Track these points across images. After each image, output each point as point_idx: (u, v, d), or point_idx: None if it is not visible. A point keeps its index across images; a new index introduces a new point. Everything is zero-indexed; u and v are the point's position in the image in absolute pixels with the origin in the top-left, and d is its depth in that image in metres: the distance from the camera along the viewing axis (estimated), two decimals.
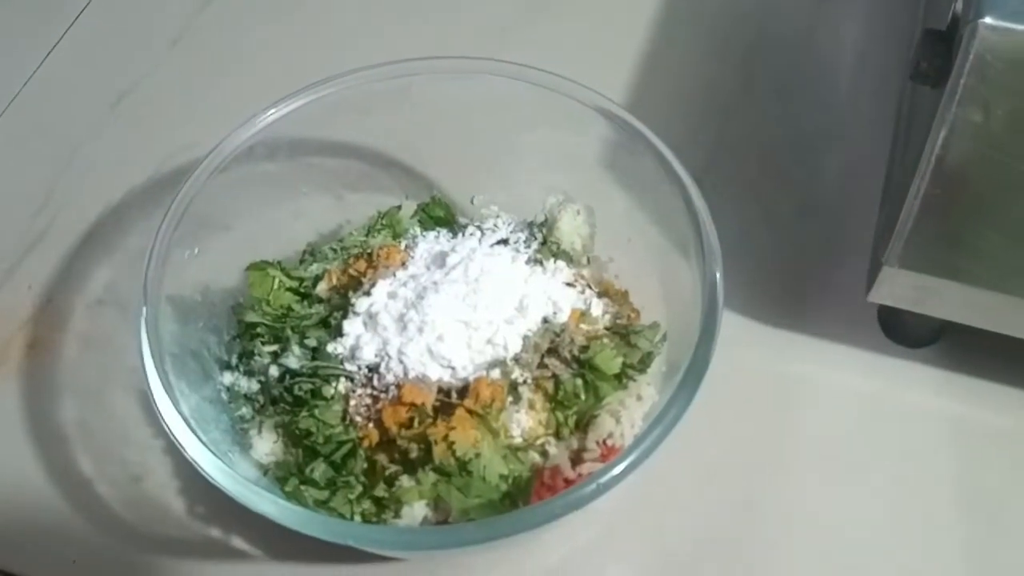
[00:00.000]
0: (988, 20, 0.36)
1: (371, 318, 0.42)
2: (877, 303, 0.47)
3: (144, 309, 0.40)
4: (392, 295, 0.43)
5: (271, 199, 0.50)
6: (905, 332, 0.51)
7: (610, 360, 0.42)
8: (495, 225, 0.49)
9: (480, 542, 0.35)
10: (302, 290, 0.46)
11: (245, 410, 0.43)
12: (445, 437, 0.40)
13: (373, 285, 0.43)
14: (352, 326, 0.42)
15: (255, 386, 0.44)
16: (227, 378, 0.44)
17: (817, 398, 0.50)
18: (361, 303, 0.43)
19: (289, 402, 0.42)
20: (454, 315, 0.41)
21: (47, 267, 0.55)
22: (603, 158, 0.49)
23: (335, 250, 0.48)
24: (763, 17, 0.65)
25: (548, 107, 0.47)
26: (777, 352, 0.51)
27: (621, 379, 0.42)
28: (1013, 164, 0.39)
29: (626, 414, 0.42)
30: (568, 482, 0.40)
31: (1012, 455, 0.48)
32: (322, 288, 0.45)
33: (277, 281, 0.46)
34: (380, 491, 0.40)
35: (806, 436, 0.49)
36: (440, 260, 0.44)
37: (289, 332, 0.43)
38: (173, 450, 0.48)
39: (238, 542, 0.46)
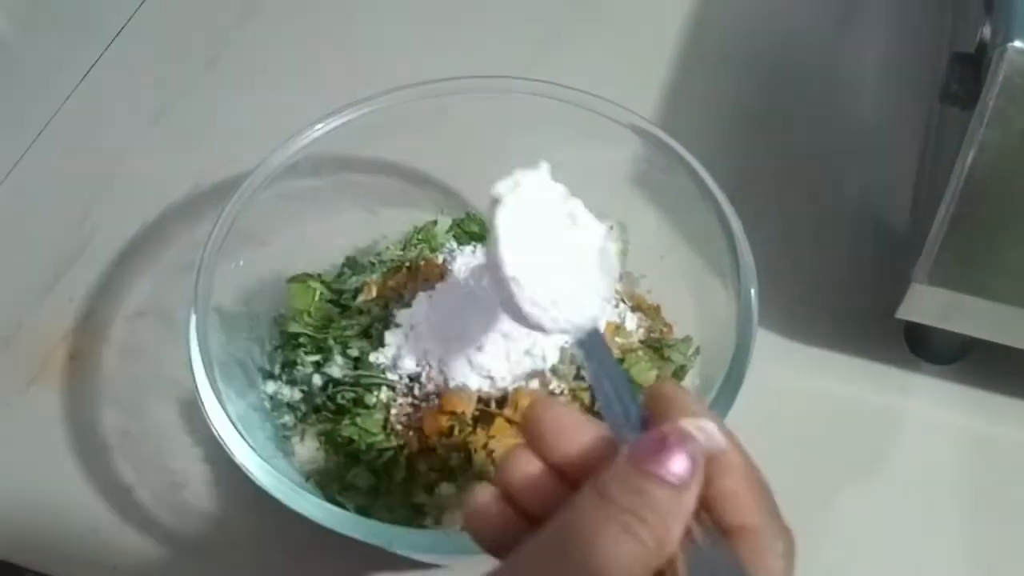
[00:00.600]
0: (1018, 44, 0.37)
1: (412, 329, 0.43)
2: (904, 320, 0.48)
3: (194, 317, 0.41)
4: (433, 307, 0.44)
5: (309, 214, 0.51)
6: (932, 349, 0.52)
7: (645, 372, 0.43)
8: None
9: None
10: (342, 302, 0.47)
11: (287, 418, 0.44)
12: (485, 445, 0.40)
13: (413, 297, 0.44)
14: (393, 337, 0.43)
15: (297, 395, 0.45)
16: (270, 387, 0.45)
17: (844, 413, 0.51)
18: (402, 315, 0.44)
19: (332, 410, 0.43)
20: (493, 327, 0.42)
21: (88, 280, 0.56)
22: (636, 175, 0.50)
23: (373, 263, 0.49)
24: (789, 37, 0.66)
25: (581, 124, 0.48)
26: (805, 368, 0.52)
27: None
28: None
29: None
30: None
31: None
32: (361, 300, 0.46)
33: (318, 293, 0.47)
34: (420, 498, 0.41)
35: (833, 450, 0.49)
36: (478, 274, 0.45)
37: (331, 342, 0.44)
38: (212, 458, 0.49)
39: (277, 549, 0.46)
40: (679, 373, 0.45)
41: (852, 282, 0.55)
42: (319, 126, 0.47)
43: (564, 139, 0.50)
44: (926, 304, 0.46)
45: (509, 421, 0.41)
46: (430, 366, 0.42)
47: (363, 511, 0.41)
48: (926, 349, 0.52)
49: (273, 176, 0.46)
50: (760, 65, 0.65)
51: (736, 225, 0.43)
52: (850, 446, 0.50)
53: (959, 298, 0.45)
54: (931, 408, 0.51)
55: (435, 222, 0.51)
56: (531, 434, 0.28)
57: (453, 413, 0.41)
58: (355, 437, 0.41)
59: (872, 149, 0.60)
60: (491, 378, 0.42)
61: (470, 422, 0.41)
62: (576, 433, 0.28)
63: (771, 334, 0.52)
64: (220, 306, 0.43)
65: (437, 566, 0.45)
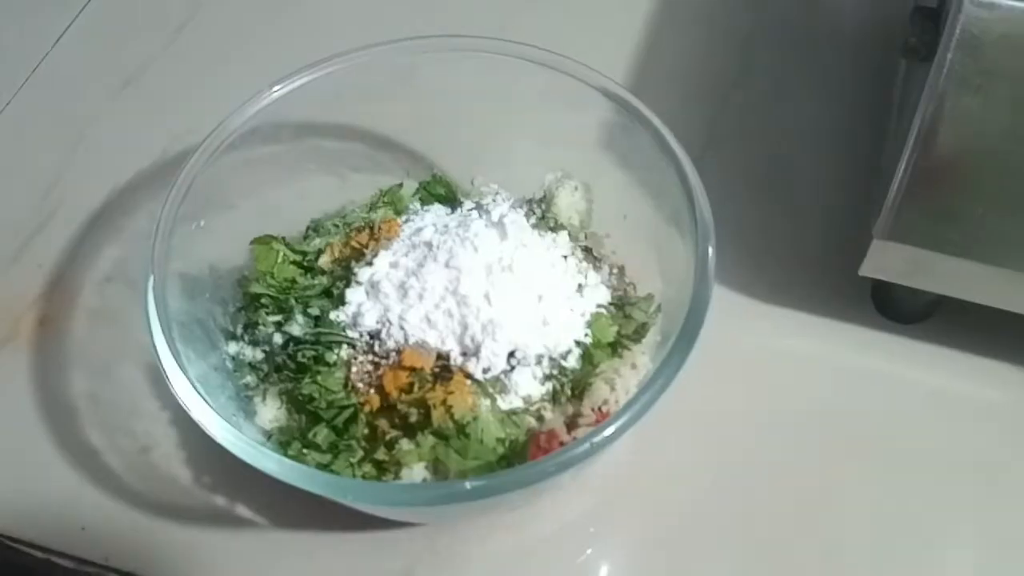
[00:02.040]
0: None
1: (373, 286, 0.43)
2: (871, 279, 0.48)
3: (151, 278, 0.41)
4: (394, 264, 0.44)
5: (276, 179, 0.51)
6: (897, 308, 0.52)
7: (606, 329, 0.44)
8: (494, 202, 0.50)
9: (476, 498, 0.36)
10: (305, 263, 0.47)
11: (250, 378, 0.44)
12: (444, 401, 0.41)
13: (375, 255, 0.44)
14: (354, 294, 0.43)
15: (259, 355, 0.45)
16: (232, 347, 0.45)
17: (810, 372, 0.51)
18: (363, 272, 0.44)
19: (292, 369, 0.43)
20: (452, 287, 0.42)
21: (56, 246, 0.56)
22: (601, 136, 0.49)
23: (337, 225, 0.49)
24: (763, 1, 0.66)
25: (548, 86, 0.48)
26: (772, 328, 0.52)
27: (616, 348, 0.43)
28: (998, 137, 0.40)
29: (621, 382, 0.43)
30: (563, 445, 0.41)
31: (1002, 427, 0.49)
32: (324, 260, 0.46)
33: (281, 254, 0.47)
34: (380, 455, 0.41)
35: (799, 410, 0.49)
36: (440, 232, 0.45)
37: (293, 302, 0.44)
38: (179, 421, 0.49)
39: (243, 510, 0.47)
40: (640, 331, 0.45)
41: (820, 242, 0.55)
42: (276, 88, 0.47)
43: (531, 101, 0.50)
44: (888, 261, 0.46)
45: (468, 377, 0.41)
46: (390, 323, 0.42)
47: (324, 468, 0.41)
48: (892, 309, 0.52)
49: (233, 140, 0.46)
50: (734, 31, 0.64)
51: (695, 181, 0.43)
52: (816, 405, 0.50)
53: (921, 254, 0.45)
54: (900, 368, 0.51)
55: (401, 185, 0.51)
56: None
57: (413, 369, 0.41)
58: (316, 395, 0.42)
59: (842, 112, 0.60)
60: (449, 336, 0.42)
61: (430, 378, 0.42)
62: None
63: (739, 295, 0.53)
64: (183, 268, 0.44)
65: (411, 525, 0.46)
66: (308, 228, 0.50)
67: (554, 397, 0.42)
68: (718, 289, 0.45)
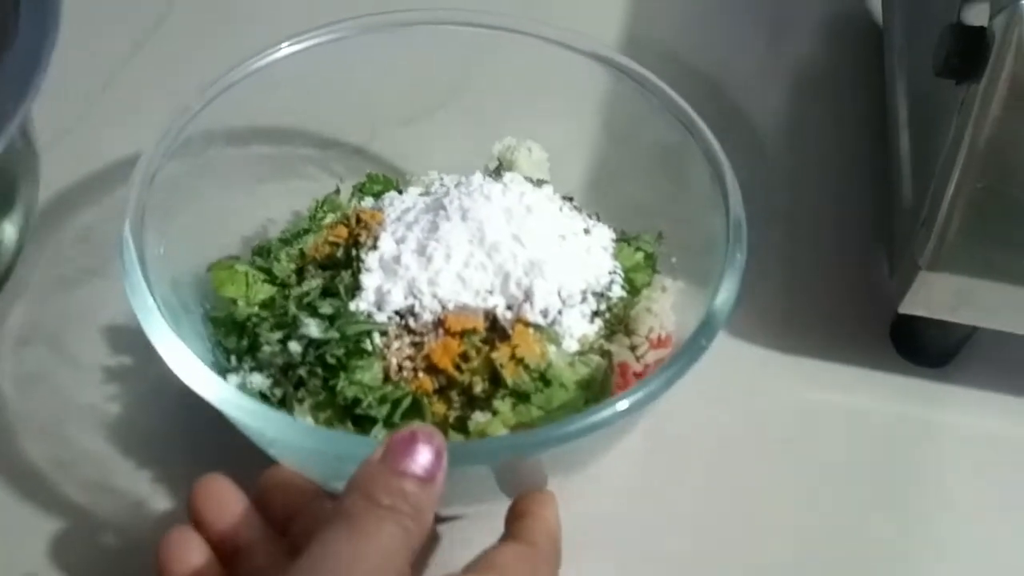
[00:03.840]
0: None
1: (389, 264, 0.39)
2: (892, 322, 0.46)
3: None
4: (401, 240, 0.40)
5: (182, 207, 0.44)
6: (925, 349, 0.47)
7: (631, 256, 0.42)
8: (442, 185, 0.47)
9: (591, 431, 0.32)
10: (277, 281, 0.42)
11: None
12: (512, 356, 0.37)
13: (377, 239, 0.40)
14: (370, 279, 0.39)
15: (267, 381, 0.39)
16: (233, 381, 0.38)
17: (830, 423, 0.46)
18: (371, 258, 0.39)
19: (321, 376, 0.37)
20: (476, 237, 0.39)
21: None
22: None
23: (286, 241, 0.44)
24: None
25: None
26: (789, 379, 0.47)
27: (646, 268, 0.42)
28: None
29: (657, 306, 0.41)
30: (638, 375, 0.39)
31: None
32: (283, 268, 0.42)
33: (250, 275, 0.41)
34: (455, 439, 0.36)
35: (822, 462, 0.45)
36: (437, 205, 0.41)
37: (294, 309, 0.39)
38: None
39: None
40: (651, 259, 0.43)
41: (828, 285, 0.50)
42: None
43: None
44: (935, 294, 0.41)
45: (527, 325, 0.38)
46: (421, 292, 0.38)
47: None
48: (920, 351, 0.47)
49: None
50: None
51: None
52: (842, 458, 0.45)
53: (973, 284, 0.41)
54: (928, 412, 0.46)
55: (338, 191, 0.47)
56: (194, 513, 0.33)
57: (463, 334, 0.37)
58: (361, 396, 0.36)
59: (836, 141, 0.57)
60: (489, 292, 0.39)
61: (484, 339, 0.38)
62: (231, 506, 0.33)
63: (749, 345, 0.48)
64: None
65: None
66: (253, 255, 0.44)
67: (610, 332, 0.40)
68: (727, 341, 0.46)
